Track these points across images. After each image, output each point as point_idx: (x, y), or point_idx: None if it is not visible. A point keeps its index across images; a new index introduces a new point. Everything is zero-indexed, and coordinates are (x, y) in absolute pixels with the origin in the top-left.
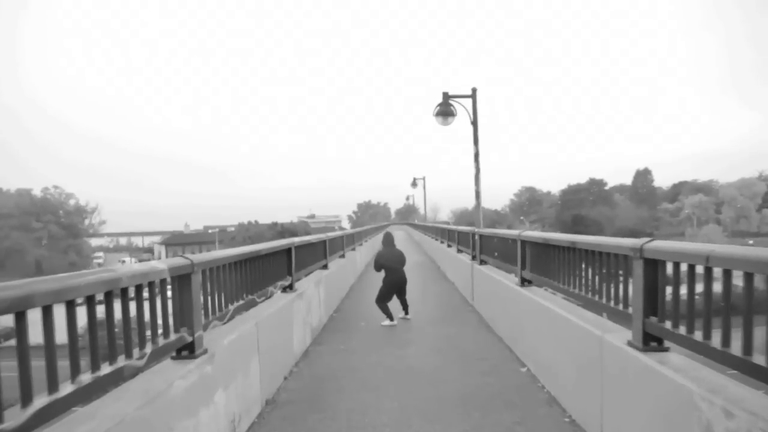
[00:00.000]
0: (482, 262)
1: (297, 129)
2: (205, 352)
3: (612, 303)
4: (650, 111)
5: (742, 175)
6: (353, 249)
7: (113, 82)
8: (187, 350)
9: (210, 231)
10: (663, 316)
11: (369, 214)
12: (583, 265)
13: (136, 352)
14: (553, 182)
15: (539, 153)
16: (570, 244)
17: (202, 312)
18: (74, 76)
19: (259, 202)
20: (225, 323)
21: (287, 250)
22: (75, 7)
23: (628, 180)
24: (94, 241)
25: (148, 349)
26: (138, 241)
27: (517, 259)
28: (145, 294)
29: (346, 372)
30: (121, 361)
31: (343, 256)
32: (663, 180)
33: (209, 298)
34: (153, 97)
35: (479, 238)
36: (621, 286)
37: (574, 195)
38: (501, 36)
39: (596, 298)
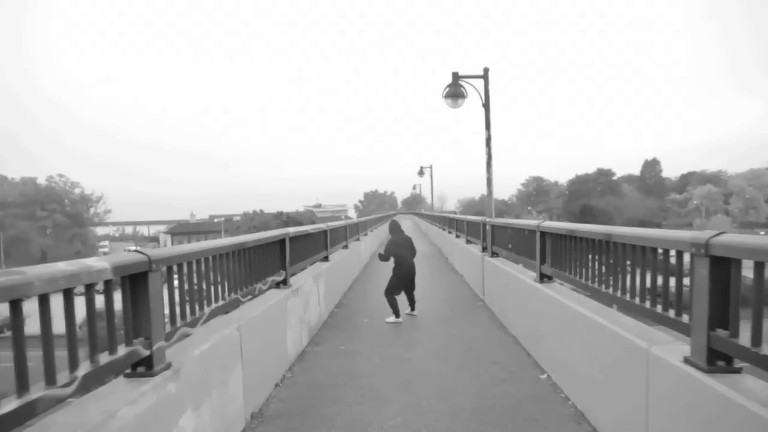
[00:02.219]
0: (494, 254)
1: (304, 120)
2: (168, 366)
3: (660, 308)
4: (657, 101)
5: (751, 165)
6: (357, 239)
7: (119, 75)
8: (144, 366)
9: (216, 220)
10: (736, 329)
11: (376, 203)
12: (620, 262)
13: (64, 376)
14: (560, 172)
15: (546, 143)
16: (604, 237)
17: (167, 318)
18: (82, 69)
19: (266, 192)
20: (202, 328)
21: (280, 242)
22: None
23: (635, 170)
24: (100, 230)
25: (82, 371)
26: (144, 230)
27: (536, 253)
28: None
29: (345, 378)
30: (37, 391)
31: (346, 246)
32: (671, 170)
33: (176, 300)
34: (161, 89)
35: (491, 229)
36: (667, 287)
37: (582, 185)
38: (505, 27)
39: (636, 300)
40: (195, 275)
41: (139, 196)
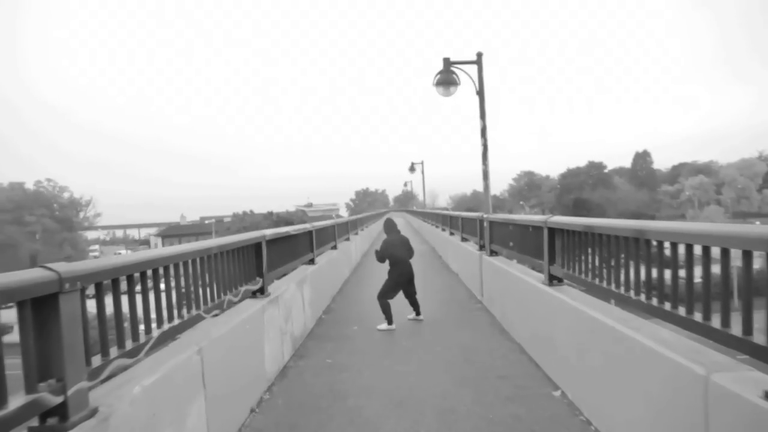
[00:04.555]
0: (493, 253)
1: (295, 118)
2: (93, 413)
3: (718, 324)
4: (647, 95)
5: (742, 156)
6: (347, 239)
7: (110, 74)
8: (57, 416)
9: (206, 222)
10: None
11: (367, 201)
12: (657, 264)
13: None
14: (551, 166)
15: (537, 137)
16: (635, 233)
17: (93, 350)
18: (72, 68)
19: (257, 192)
20: (151, 356)
21: (256, 246)
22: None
23: (626, 163)
24: (90, 234)
25: None
26: (134, 233)
27: (544, 252)
28: None
29: (331, 399)
30: None
31: (335, 247)
32: (663, 163)
33: (111, 326)
34: (149, 88)
35: (489, 226)
36: (727, 297)
37: (574, 178)
38: (491, 22)
39: (679, 311)
40: (141, 291)
41: (129, 198)
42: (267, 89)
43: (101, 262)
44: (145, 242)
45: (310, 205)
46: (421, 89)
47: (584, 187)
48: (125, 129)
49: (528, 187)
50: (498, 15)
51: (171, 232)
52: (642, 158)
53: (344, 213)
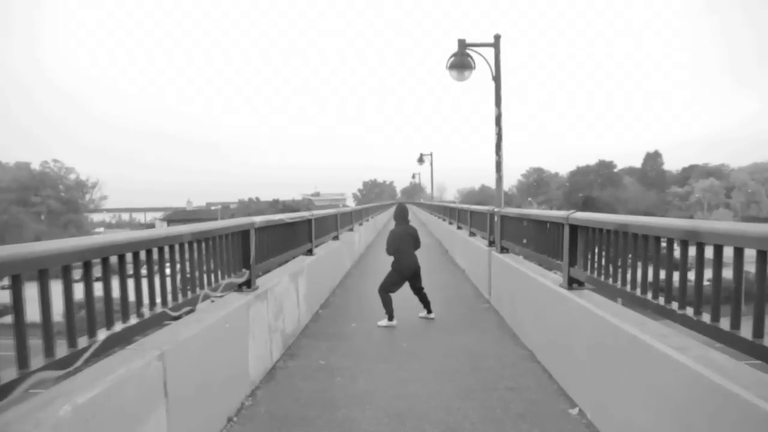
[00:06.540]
0: (503, 250)
1: (305, 108)
2: None
3: None
4: (658, 94)
5: (752, 159)
6: (351, 229)
7: (119, 60)
8: None
9: (212, 208)
10: None
11: (375, 192)
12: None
13: None
14: (560, 163)
15: (546, 134)
16: (685, 235)
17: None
18: (81, 55)
19: (265, 180)
20: (98, 364)
21: (243, 234)
22: None
23: (635, 163)
24: (96, 217)
25: None
26: (140, 217)
27: (563, 252)
28: None
29: (320, 408)
30: None
31: (337, 237)
32: (671, 163)
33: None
34: (160, 76)
35: (500, 220)
36: None
37: (583, 177)
38: (505, 19)
39: (743, 333)
40: (87, 287)
41: (136, 183)
42: (278, 79)
43: (15, 249)
44: (151, 226)
45: (317, 194)
46: (433, 82)
47: (593, 185)
48: (135, 116)
49: (537, 183)
50: (508, 15)
51: (176, 217)
52: (653, 159)
53: (351, 203)
